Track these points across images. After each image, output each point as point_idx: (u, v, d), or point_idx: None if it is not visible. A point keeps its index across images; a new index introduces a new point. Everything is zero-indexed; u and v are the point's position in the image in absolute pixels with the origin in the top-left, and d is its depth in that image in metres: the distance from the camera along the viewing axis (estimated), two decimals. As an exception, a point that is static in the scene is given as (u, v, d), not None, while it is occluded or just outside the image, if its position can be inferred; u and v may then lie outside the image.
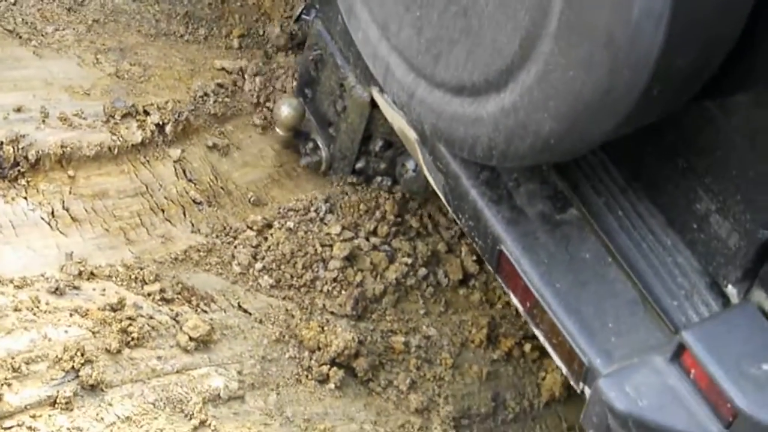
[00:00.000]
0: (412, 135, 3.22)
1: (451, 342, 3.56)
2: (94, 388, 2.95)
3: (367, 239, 3.64)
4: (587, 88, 2.38)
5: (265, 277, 3.47)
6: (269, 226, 3.58)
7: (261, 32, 4.05)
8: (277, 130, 3.74)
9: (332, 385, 3.30)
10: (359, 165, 3.68)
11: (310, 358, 3.31)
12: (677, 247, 2.84)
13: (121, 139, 3.55)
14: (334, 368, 3.31)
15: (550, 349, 2.84)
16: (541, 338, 2.86)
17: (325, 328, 3.36)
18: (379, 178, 3.70)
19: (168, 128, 3.64)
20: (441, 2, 2.70)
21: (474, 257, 3.69)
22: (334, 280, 3.52)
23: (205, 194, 3.61)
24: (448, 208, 3.17)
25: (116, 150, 3.54)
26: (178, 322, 3.19)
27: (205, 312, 3.28)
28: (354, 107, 3.53)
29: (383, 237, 3.66)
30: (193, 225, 3.53)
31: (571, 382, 2.81)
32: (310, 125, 3.71)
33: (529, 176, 3.01)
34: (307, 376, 3.29)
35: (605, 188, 2.97)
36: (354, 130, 3.60)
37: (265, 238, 3.55)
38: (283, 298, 3.45)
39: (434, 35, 2.75)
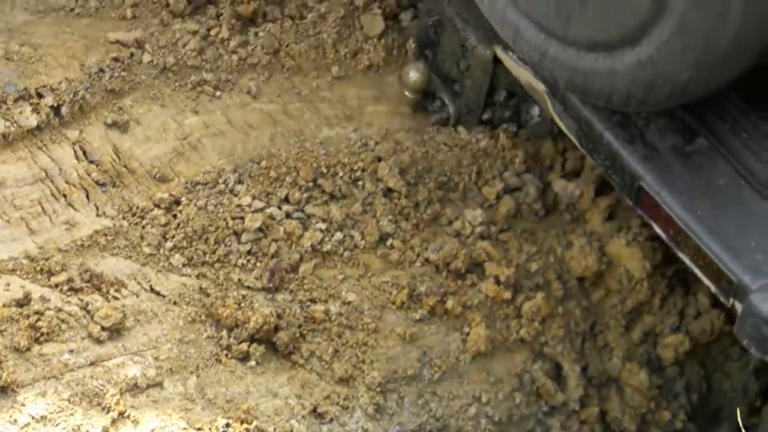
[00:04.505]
0: (540, 87, 3.42)
1: (371, 305, 3.51)
2: (5, 390, 2.88)
3: (279, 207, 3.56)
4: (722, 37, 2.69)
5: (177, 255, 3.39)
6: (177, 202, 3.49)
7: (154, -1, 3.93)
8: (406, 93, 3.92)
9: (253, 362, 3.23)
10: (486, 116, 3.88)
11: (229, 336, 3.25)
12: None
13: (15, 125, 3.44)
14: (254, 344, 3.25)
15: (696, 271, 3.02)
16: (687, 261, 3.05)
17: (242, 304, 3.29)
18: (504, 125, 3.88)
19: (64, 109, 3.53)
20: None
21: (390, 216, 3.63)
22: (248, 252, 3.45)
23: (107, 175, 3.50)
24: (582, 151, 3.37)
25: (11, 137, 3.43)
26: (88, 312, 3.11)
27: (117, 298, 3.20)
28: (477, 65, 3.76)
29: (296, 203, 3.59)
30: (97, 208, 3.43)
31: (721, 299, 2.97)
32: (435, 84, 3.91)
33: (658, 113, 3.19)
34: (226, 355, 3.23)
35: (728, 115, 3.16)
36: (479, 86, 3.83)
37: (174, 216, 3.46)
38: (197, 276, 3.37)
39: None
